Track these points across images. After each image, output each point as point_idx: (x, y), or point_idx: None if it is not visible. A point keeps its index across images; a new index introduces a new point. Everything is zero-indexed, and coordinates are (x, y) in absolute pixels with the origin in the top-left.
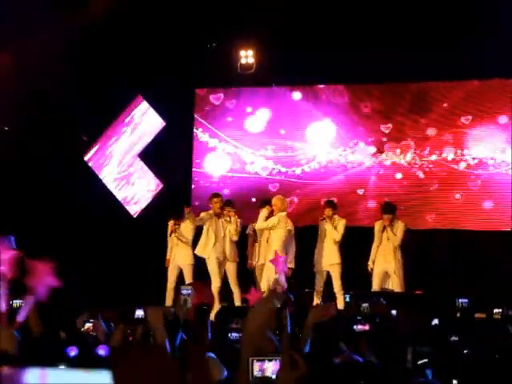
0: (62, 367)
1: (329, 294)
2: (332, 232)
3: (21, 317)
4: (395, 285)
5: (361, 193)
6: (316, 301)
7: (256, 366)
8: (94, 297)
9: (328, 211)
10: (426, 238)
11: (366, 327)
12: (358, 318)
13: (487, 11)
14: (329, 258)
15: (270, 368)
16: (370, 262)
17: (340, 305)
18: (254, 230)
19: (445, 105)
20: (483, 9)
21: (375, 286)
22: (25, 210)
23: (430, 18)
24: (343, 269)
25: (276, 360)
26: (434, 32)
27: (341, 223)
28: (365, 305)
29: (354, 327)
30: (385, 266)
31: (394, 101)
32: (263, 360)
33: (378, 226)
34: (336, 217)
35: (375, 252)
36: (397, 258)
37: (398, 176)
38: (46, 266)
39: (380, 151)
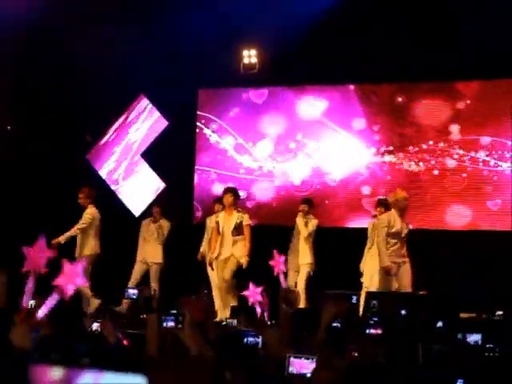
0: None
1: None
2: (303, 229)
3: (41, 314)
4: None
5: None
6: None
7: (292, 362)
8: (100, 296)
9: (304, 207)
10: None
11: (379, 331)
12: (371, 321)
13: None
14: (301, 258)
15: (306, 366)
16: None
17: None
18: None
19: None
20: None
21: None
22: (27, 211)
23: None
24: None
25: (313, 359)
26: (441, 30)
27: (313, 222)
28: (374, 302)
29: (367, 331)
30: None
31: (405, 100)
32: (300, 357)
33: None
34: (311, 216)
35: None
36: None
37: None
38: (77, 266)
39: (394, 152)
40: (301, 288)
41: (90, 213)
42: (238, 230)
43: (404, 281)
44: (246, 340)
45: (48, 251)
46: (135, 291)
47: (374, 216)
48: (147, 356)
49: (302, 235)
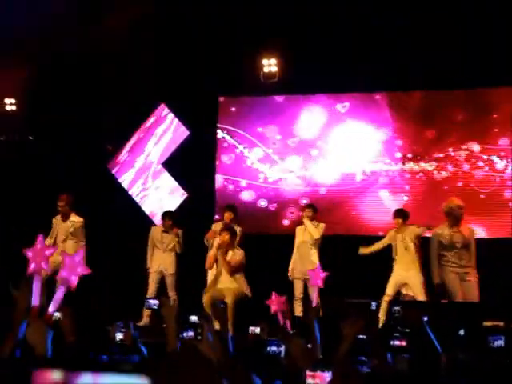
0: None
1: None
2: (314, 232)
3: (52, 309)
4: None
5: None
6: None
7: (309, 375)
8: (123, 306)
9: (309, 212)
10: None
11: (404, 343)
12: (396, 334)
13: None
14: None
15: (322, 379)
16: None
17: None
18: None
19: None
20: None
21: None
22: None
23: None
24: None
25: (329, 372)
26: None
27: (321, 225)
28: (396, 308)
29: (391, 343)
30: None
31: (433, 107)
32: (316, 370)
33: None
34: (315, 221)
35: None
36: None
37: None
38: (76, 257)
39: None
40: (315, 296)
41: (82, 221)
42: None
43: (470, 293)
44: (268, 349)
45: (48, 249)
46: (156, 301)
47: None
48: (168, 349)
49: (313, 239)
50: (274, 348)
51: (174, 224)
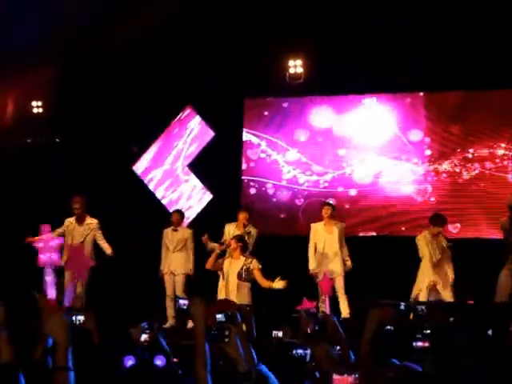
0: None
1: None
2: (342, 232)
3: (67, 301)
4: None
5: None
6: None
7: (336, 379)
8: (147, 308)
9: (328, 209)
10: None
11: (426, 344)
12: (418, 336)
13: None
14: (337, 264)
15: (348, 382)
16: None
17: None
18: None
19: None
20: None
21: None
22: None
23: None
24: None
25: (355, 375)
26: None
27: (343, 224)
28: (421, 307)
29: (414, 344)
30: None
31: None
32: (343, 374)
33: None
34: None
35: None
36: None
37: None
38: (79, 250)
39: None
40: (343, 294)
41: (97, 222)
42: (246, 275)
43: None
44: (294, 352)
45: (53, 240)
46: (186, 302)
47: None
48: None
49: (341, 238)
50: (300, 351)
51: (182, 221)
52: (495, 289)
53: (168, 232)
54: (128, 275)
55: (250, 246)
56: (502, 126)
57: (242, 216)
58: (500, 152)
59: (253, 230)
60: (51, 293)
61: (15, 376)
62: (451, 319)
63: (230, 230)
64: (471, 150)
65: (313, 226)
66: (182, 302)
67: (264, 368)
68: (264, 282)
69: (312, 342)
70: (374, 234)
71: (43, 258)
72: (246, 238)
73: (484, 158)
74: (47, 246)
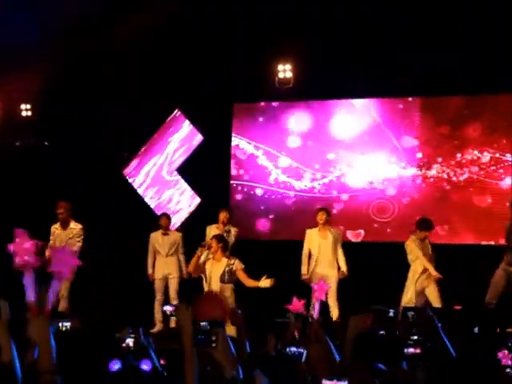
0: None
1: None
2: (338, 238)
3: (49, 303)
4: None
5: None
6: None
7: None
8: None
9: (323, 214)
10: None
11: (418, 350)
12: (410, 342)
13: None
14: (331, 268)
15: None
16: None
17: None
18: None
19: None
20: None
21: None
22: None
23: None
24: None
25: (345, 381)
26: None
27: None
28: (411, 313)
29: (405, 350)
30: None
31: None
32: (332, 379)
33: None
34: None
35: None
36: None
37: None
38: (64, 249)
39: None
40: (334, 300)
41: (81, 227)
42: (229, 277)
43: None
44: (288, 349)
45: (32, 242)
46: (172, 307)
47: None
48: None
49: (335, 244)
50: (293, 349)
51: (170, 223)
52: (484, 293)
53: (157, 236)
54: (117, 278)
55: (229, 244)
56: (494, 132)
57: (223, 215)
58: (491, 157)
59: (232, 229)
60: (30, 295)
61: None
62: (439, 325)
63: (212, 231)
64: (460, 155)
65: (308, 231)
66: (167, 307)
67: (259, 374)
68: (249, 282)
69: (309, 343)
70: (361, 239)
71: (18, 260)
72: (226, 236)
73: (474, 164)
74: (21, 248)
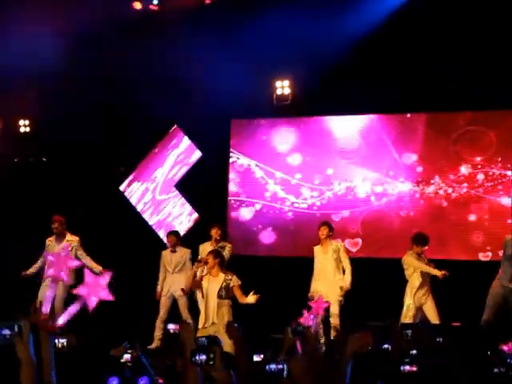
0: None
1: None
2: (343, 254)
3: (62, 321)
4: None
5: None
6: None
7: None
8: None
9: (324, 229)
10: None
11: (414, 368)
12: (406, 360)
13: None
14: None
15: None
16: None
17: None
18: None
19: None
20: None
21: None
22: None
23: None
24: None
25: None
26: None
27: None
28: (408, 331)
29: (401, 368)
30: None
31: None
32: None
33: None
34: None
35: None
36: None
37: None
38: (102, 278)
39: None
40: (336, 320)
41: (78, 240)
42: (226, 293)
43: None
44: (268, 367)
45: (71, 260)
46: (175, 326)
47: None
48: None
49: (336, 258)
50: (273, 366)
51: (179, 242)
52: (481, 310)
53: (166, 254)
54: (116, 295)
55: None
56: (497, 148)
57: (214, 232)
58: (492, 174)
59: (227, 245)
60: (46, 308)
61: None
62: (438, 341)
63: (205, 248)
64: (459, 171)
65: (314, 248)
66: (171, 326)
67: None
68: (242, 299)
69: (290, 358)
70: (359, 248)
71: (51, 272)
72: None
73: (473, 180)
74: (58, 261)
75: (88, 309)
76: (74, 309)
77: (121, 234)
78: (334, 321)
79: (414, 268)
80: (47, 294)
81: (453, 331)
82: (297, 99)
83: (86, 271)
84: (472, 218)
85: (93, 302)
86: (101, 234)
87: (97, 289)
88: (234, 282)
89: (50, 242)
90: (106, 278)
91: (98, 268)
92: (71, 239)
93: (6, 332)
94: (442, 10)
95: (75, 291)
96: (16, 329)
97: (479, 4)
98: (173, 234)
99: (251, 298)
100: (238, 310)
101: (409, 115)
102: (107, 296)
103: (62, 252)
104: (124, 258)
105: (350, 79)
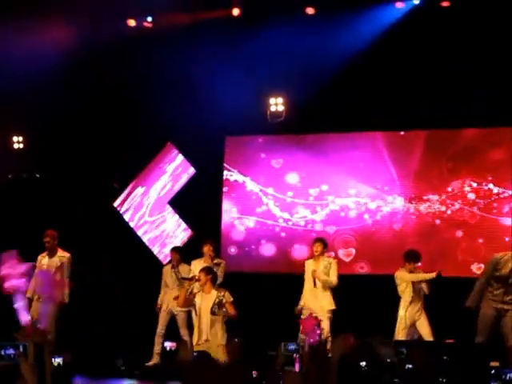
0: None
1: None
2: (332, 273)
3: (43, 324)
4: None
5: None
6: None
7: None
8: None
9: (318, 246)
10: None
11: None
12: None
13: None
14: (327, 303)
15: None
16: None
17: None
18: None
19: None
20: None
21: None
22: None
23: None
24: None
25: None
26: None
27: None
28: (402, 349)
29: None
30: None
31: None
32: None
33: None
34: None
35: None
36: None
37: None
38: (49, 272)
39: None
40: (329, 337)
41: (69, 256)
42: (219, 309)
43: (507, 328)
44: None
45: (21, 265)
46: (171, 343)
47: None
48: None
49: (327, 272)
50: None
51: (181, 259)
52: (474, 326)
53: (167, 270)
54: (108, 311)
55: (221, 277)
56: (491, 166)
57: (207, 248)
58: (488, 191)
59: (222, 262)
60: (24, 317)
61: None
62: (432, 359)
63: (197, 265)
64: (456, 189)
65: (306, 262)
66: (168, 343)
67: None
68: (233, 317)
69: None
70: (352, 258)
71: (9, 284)
72: (216, 269)
73: (467, 197)
74: (12, 272)
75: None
76: (45, 311)
77: (114, 250)
78: (325, 336)
79: (407, 282)
80: (42, 311)
81: (446, 348)
82: (290, 116)
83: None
84: (464, 235)
85: (57, 295)
86: (95, 250)
87: (53, 282)
88: (227, 298)
89: (43, 257)
90: (49, 271)
91: (67, 291)
92: (62, 255)
93: (11, 351)
94: (436, 26)
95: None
96: (21, 348)
97: (474, 21)
98: (175, 250)
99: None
100: (232, 326)
101: (402, 132)
102: (64, 283)
103: (51, 273)
104: (118, 274)
105: (344, 96)
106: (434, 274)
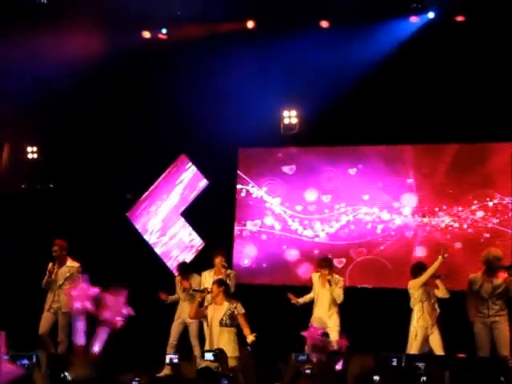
0: None
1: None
2: (336, 291)
3: (97, 348)
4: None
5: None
6: None
7: None
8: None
9: (324, 270)
10: None
11: None
12: None
13: None
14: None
15: None
16: None
17: None
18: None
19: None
20: None
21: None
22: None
23: None
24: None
25: None
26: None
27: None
28: (420, 364)
29: None
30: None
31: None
32: None
33: None
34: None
35: None
36: None
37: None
38: (120, 297)
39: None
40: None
41: (78, 266)
42: (230, 321)
43: (501, 340)
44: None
45: (92, 290)
46: (176, 356)
47: None
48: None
49: (333, 297)
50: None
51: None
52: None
53: (179, 280)
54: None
55: (232, 288)
56: (494, 180)
57: (218, 260)
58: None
59: (232, 272)
60: (80, 339)
61: None
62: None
63: (208, 276)
64: (459, 206)
65: (313, 274)
66: (172, 356)
67: None
68: (245, 330)
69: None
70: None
71: (78, 305)
72: (227, 280)
73: (472, 212)
74: (82, 293)
75: (115, 329)
76: (104, 334)
77: (127, 260)
78: (335, 348)
79: (419, 292)
80: (78, 327)
81: (458, 362)
82: (304, 129)
83: (105, 295)
84: (475, 248)
85: (119, 322)
86: (108, 260)
87: (118, 308)
88: (239, 310)
89: (52, 266)
90: (123, 296)
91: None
92: (71, 265)
93: (25, 362)
94: (451, 40)
95: (102, 317)
96: (34, 359)
97: (489, 35)
98: (181, 266)
99: (249, 338)
100: (243, 337)
101: (410, 146)
102: (129, 311)
103: (121, 298)
104: (131, 284)
105: (356, 109)
106: (440, 259)
